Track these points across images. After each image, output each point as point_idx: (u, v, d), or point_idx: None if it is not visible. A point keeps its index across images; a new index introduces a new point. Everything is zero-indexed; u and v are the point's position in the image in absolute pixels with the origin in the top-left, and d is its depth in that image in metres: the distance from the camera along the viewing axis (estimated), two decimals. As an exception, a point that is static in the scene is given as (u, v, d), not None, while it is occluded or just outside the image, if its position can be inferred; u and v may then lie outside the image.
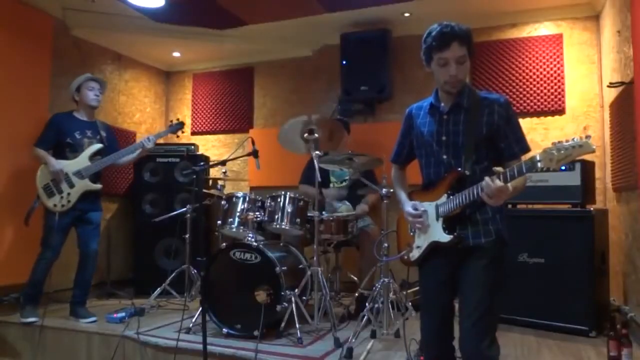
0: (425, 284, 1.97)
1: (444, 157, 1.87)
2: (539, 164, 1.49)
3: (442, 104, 1.90)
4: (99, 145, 3.59)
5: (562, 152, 1.44)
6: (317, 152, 3.27)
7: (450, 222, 1.83)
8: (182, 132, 4.06)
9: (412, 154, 2.05)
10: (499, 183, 1.59)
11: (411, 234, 1.99)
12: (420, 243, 1.93)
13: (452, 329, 1.91)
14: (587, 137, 1.42)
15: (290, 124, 3.34)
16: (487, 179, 1.62)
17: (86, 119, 3.64)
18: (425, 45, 1.82)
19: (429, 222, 1.88)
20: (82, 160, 3.49)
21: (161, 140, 5.61)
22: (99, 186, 3.57)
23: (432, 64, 1.83)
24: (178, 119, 4.02)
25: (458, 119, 1.85)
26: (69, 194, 3.42)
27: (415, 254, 1.95)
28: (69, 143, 3.50)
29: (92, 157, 3.53)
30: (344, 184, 4.04)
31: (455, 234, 1.81)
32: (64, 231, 3.49)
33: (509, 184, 1.60)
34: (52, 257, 3.45)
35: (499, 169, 1.63)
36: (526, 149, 1.83)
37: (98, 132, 3.64)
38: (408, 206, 1.94)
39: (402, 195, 2.04)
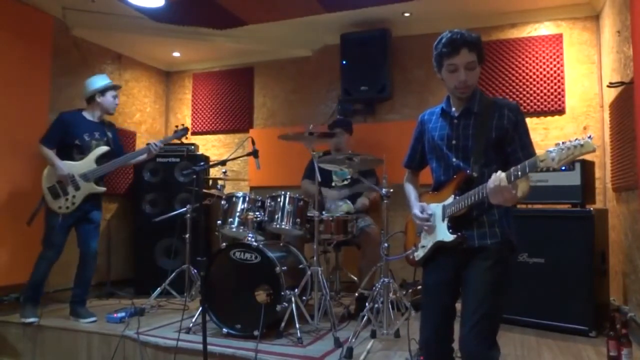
0: (427, 283, 1.97)
1: (454, 160, 1.89)
2: (540, 164, 1.51)
3: (453, 109, 1.93)
4: (105, 148, 3.58)
5: (564, 151, 1.45)
6: (316, 152, 3.27)
7: (456, 223, 1.84)
8: (187, 138, 4.23)
9: (425, 159, 2.09)
10: (504, 182, 1.60)
11: (418, 235, 2.00)
12: (426, 243, 1.95)
13: (452, 330, 1.91)
14: (589, 137, 1.43)
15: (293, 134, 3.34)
16: (494, 177, 1.63)
17: (96, 119, 3.63)
18: (436, 52, 1.85)
19: (435, 224, 1.90)
20: (88, 163, 3.48)
21: (161, 140, 5.66)
22: (103, 189, 3.57)
23: (442, 71, 1.86)
24: (183, 125, 4.05)
25: (468, 123, 1.88)
26: (74, 196, 3.42)
27: (420, 253, 1.97)
28: (77, 144, 3.49)
29: (99, 159, 3.53)
30: (345, 182, 4.04)
31: (459, 233, 1.82)
32: (66, 231, 3.49)
33: (511, 186, 1.60)
34: (54, 257, 3.46)
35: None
36: (531, 155, 1.77)
37: (105, 134, 3.64)
38: (416, 208, 1.97)
39: (412, 197, 2.07)
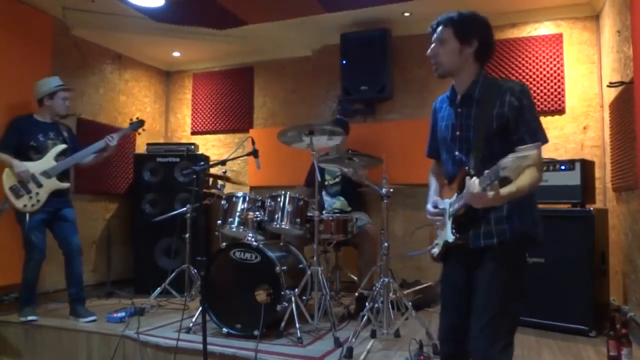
0: (443, 281, 1.93)
1: (457, 153, 1.81)
2: (501, 172, 1.42)
3: (458, 95, 1.84)
4: (63, 146, 3.57)
5: (515, 162, 1.38)
6: (315, 153, 3.27)
7: (460, 221, 1.76)
8: (143, 129, 4.02)
9: None
10: (476, 188, 1.54)
11: (437, 231, 1.94)
12: (439, 241, 1.89)
13: (469, 329, 1.79)
14: (537, 145, 1.41)
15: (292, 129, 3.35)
16: (468, 182, 1.58)
17: (48, 121, 3.62)
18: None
19: (445, 220, 1.83)
20: (47, 161, 3.48)
21: (161, 140, 5.67)
22: (67, 185, 3.57)
23: None
24: (138, 118, 4.01)
25: (470, 111, 1.77)
26: (37, 193, 3.41)
27: (435, 250, 1.91)
28: (33, 146, 3.48)
29: (58, 157, 3.52)
30: (337, 179, 4.06)
31: (458, 234, 1.75)
32: (41, 229, 3.48)
33: (487, 190, 1.51)
34: (39, 257, 3.46)
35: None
36: (541, 142, 1.59)
37: (60, 133, 3.64)
38: (429, 203, 1.90)
39: (430, 190, 1.98)
